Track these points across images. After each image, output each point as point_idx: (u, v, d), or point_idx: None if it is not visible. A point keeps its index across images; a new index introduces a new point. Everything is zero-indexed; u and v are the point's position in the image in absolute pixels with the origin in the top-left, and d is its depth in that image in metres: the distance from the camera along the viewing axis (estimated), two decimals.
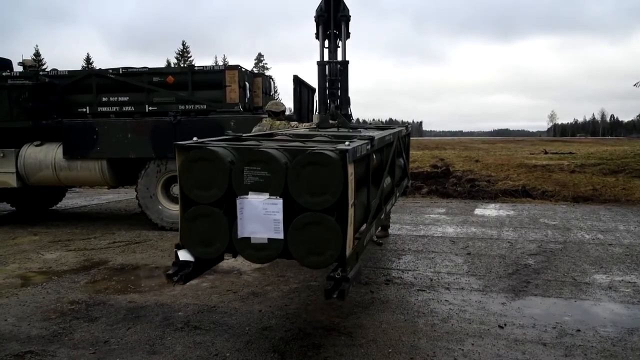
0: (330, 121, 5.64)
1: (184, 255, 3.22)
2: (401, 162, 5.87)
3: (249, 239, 3.06)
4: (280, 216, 2.97)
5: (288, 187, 2.97)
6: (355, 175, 3.11)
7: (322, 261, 2.99)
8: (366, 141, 3.52)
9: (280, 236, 2.99)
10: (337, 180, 2.89)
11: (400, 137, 5.68)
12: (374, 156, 4.01)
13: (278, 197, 2.97)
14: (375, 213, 4.03)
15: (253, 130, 6.61)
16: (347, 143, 3.11)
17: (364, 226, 3.82)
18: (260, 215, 2.99)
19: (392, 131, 5.11)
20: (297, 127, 6.45)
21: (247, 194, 3.01)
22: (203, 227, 3.17)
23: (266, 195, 2.98)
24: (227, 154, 3.17)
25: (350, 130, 4.80)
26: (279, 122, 6.54)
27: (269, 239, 3.02)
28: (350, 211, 2.99)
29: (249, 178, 3.01)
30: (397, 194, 5.53)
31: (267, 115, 6.79)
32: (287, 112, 8.33)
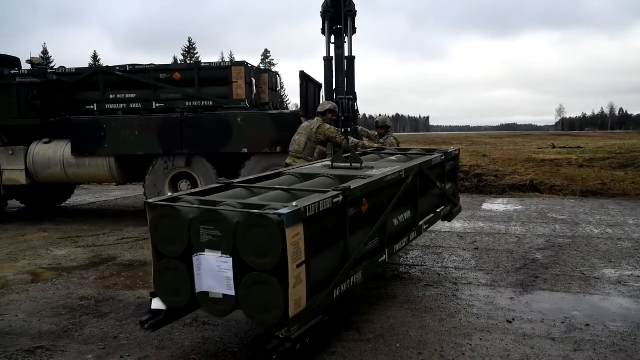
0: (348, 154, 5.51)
1: (156, 304, 3.43)
2: (437, 189, 5.51)
3: (207, 292, 3.20)
4: (231, 274, 3.07)
5: (237, 247, 3.06)
6: (308, 233, 3.08)
7: (269, 319, 3.05)
8: (335, 194, 3.43)
9: (232, 293, 3.09)
10: (277, 242, 2.92)
11: (436, 164, 5.43)
12: (365, 200, 3.87)
13: (229, 256, 3.07)
14: (364, 256, 3.89)
15: (301, 127, 6.69)
16: (294, 204, 3.08)
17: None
18: (215, 271, 3.12)
19: (409, 164, 4.86)
20: (343, 139, 6.45)
21: (204, 251, 3.15)
22: (171, 279, 3.36)
23: (219, 253, 3.10)
24: (189, 211, 3.31)
25: (362, 166, 4.74)
26: (328, 126, 6.57)
27: (223, 295, 3.14)
28: (296, 272, 2.96)
29: (204, 236, 3.14)
30: (424, 228, 5.21)
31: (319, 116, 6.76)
32: (293, 108, 8.34)
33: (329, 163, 5.04)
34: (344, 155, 5.01)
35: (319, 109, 6.85)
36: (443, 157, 5.72)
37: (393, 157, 5.78)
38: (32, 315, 4.35)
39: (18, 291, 5.04)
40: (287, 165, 6.67)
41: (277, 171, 4.83)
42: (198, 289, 3.22)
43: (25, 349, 3.67)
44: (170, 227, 3.31)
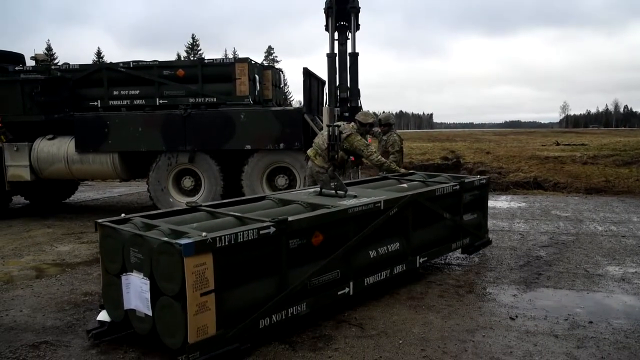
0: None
1: (102, 315, 3.69)
2: (448, 220, 5.24)
3: (134, 310, 3.39)
4: (148, 295, 3.25)
5: (152, 271, 3.21)
6: (220, 263, 3.17)
7: (174, 343, 3.14)
8: (264, 225, 3.43)
9: (150, 313, 3.26)
10: (178, 270, 3.03)
11: (444, 194, 5.12)
12: (318, 232, 3.84)
13: (147, 278, 3.24)
14: (320, 288, 3.88)
15: (323, 127, 6.54)
16: (203, 234, 3.15)
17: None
18: (139, 291, 3.32)
19: (396, 195, 4.70)
20: (370, 154, 6.28)
21: (132, 272, 3.36)
22: (112, 294, 3.59)
23: (142, 275, 3.28)
24: (125, 234, 3.47)
25: (345, 194, 4.64)
26: (359, 137, 6.25)
27: (145, 314, 3.32)
28: (199, 300, 3.05)
29: (133, 258, 3.34)
30: (420, 261, 4.93)
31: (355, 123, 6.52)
32: (297, 104, 8.34)
33: (318, 189, 5.01)
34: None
35: (361, 119, 6.54)
36: (457, 187, 5.31)
37: (405, 185, 5.53)
38: (36, 311, 4.37)
39: (22, 286, 5.06)
40: (307, 156, 6.60)
41: (261, 195, 4.88)
42: (127, 306, 3.43)
43: (29, 344, 3.69)
44: (111, 246, 3.55)
